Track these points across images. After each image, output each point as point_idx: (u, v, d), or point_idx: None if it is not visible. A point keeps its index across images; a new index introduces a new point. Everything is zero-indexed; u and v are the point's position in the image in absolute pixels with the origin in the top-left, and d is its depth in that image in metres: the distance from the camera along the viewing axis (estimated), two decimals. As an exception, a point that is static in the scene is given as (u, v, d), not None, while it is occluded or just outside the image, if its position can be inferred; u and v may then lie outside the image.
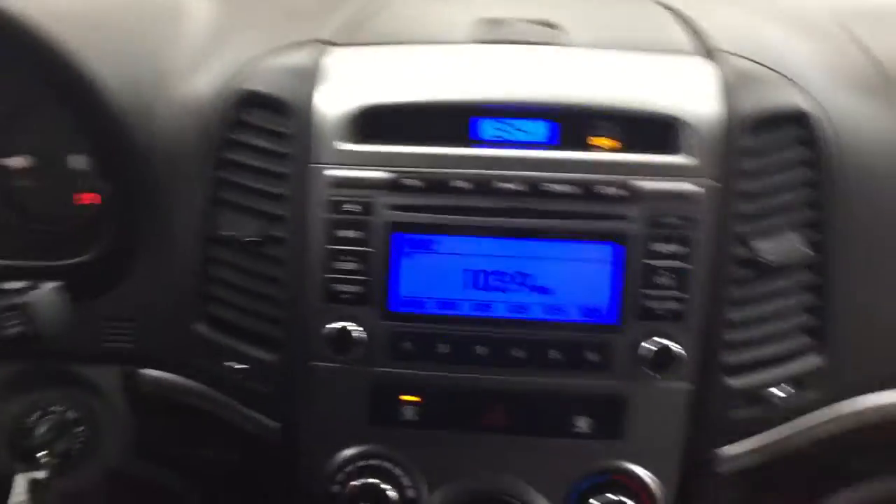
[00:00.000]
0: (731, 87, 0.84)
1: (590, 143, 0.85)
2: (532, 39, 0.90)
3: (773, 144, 0.85)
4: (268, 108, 0.87)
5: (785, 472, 0.93)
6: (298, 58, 0.88)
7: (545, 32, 0.92)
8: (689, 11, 1.00)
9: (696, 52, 0.89)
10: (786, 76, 0.88)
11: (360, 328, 0.85)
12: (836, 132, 0.86)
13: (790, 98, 0.87)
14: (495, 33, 0.91)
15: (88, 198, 0.96)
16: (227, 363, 0.90)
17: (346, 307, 0.85)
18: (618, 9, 1.06)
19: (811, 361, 0.88)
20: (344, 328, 0.85)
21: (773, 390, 0.88)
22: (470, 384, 0.87)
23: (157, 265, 0.91)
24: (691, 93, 0.84)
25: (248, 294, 0.89)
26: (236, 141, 0.88)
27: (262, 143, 0.87)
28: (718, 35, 0.92)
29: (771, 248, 0.85)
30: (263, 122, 0.87)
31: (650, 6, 1.06)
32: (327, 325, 0.85)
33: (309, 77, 0.85)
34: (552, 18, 0.95)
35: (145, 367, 0.95)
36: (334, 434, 0.90)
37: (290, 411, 0.90)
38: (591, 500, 0.88)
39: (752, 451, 0.90)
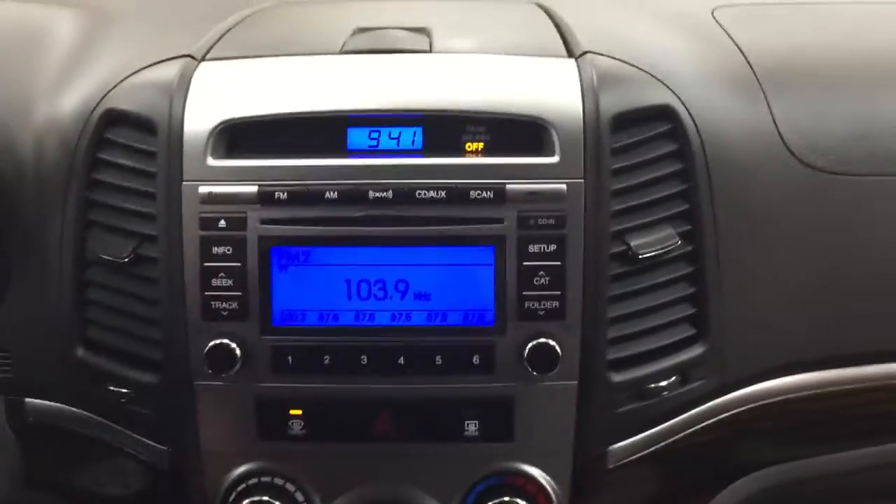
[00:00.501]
0: (596, 87, 0.85)
1: (461, 147, 0.86)
2: (403, 47, 0.90)
3: (641, 141, 0.87)
4: (133, 126, 0.86)
5: (678, 465, 0.94)
6: (164, 73, 0.87)
7: (418, 39, 0.93)
8: (564, 13, 1.01)
9: (564, 54, 0.91)
10: (651, 74, 0.90)
11: (241, 344, 0.84)
12: (701, 126, 0.88)
13: (656, 95, 0.88)
14: (367, 43, 0.91)
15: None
16: (109, 388, 0.88)
17: (226, 324, 0.84)
18: (494, 12, 1.07)
19: (694, 351, 0.89)
20: (224, 345, 0.84)
21: (660, 383, 0.89)
22: (356, 394, 0.86)
23: (30, 291, 0.89)
24: (555, 94, 0.85)
25: (125, 316, 0.87)
26: (103, 160, 0.87)
27: (129, 161, 0.85)
28: (589, 36, 0.93)
29: (646, 243, 0.86)
30: (129, 141, 0.86)
31: (527, 8, 1.07)
32: (207, 343, 0.84)
33: (176, 93, 0.85)
34: (427, 25, 0.96)
35: (28, 395, 0.93)
36: (223, 453, 0.89)
37: (177, 433, 0.89)
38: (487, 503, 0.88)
39: (644, 446, 0.92)
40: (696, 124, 0.88)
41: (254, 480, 0.88)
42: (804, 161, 0.92)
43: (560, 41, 0.94)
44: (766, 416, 0.94)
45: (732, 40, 1.01)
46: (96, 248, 0.87)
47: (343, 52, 0.91)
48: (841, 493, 1.05)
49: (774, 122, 0.93)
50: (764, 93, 0.94)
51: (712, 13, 1.09)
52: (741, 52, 0.99)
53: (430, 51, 0.91)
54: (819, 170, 0.92)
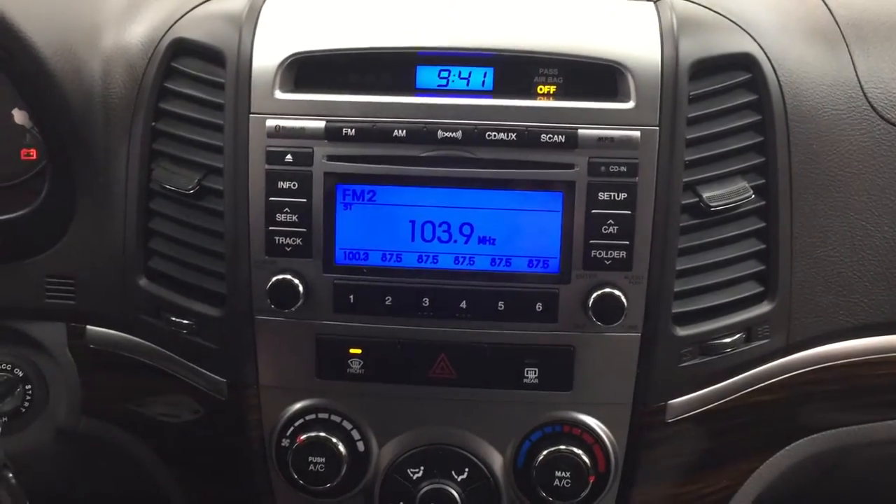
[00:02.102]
0: (675, 32, 0.82)
1: (532, 90, 0.84)
2: None
3: (719, 90, 0.84)
4: (201, 57, 0.85)
5: (736, 423, 0.92)
6: (233, 4, 0.86)
7: (490, -23, 0.90)
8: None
9: None
10: (732, 20, 0.87)
11: (303, 281, 0.84)
12: (782, 76, 0.85)
13: (736, 42, 0.85)
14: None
15: (34, 153, 0.94)
16: (171, 318, 0.89)
17: (289, 260, 0.84)
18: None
19: (760, 309, 0.87)
20: (287, 281, 0.83)
21: (724, 339, 0.87)
22: (416, 336, 0.86)
23: (95, 220, 0.90)
24: (632, 38, 0.83)
25: (189, 248, 0.87)
26: (170, 90, 0.87)
27: (196, 92, 0.85)
28: (666, -21, 0.90)
29: (719, 195, 0.84)
30: (197, 71, 0.85)
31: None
32: (270, 278, 0.84)
33: (245, 25, 0.83)
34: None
35: (90, 324, 0.94)
36: (282, 387, 0.90)
37: (237, 366, 0.89)
38: (542, 452, 0.88)
39: (703, 402, 0.90)
40: (776, 75, 0.85)
41: (311, 416, 0.89)
42: (886, 117, 0.89)
43: None
44: (829, 380, 0.92)
45: None
46: (162, 179, 0.87)
47: None
48: (897, 461, 1.03)
49: (857, 76, 0.89)
50: (847, 45, 0.91)
51: None
52: (823, 2, 0.95)
53: None
54: None
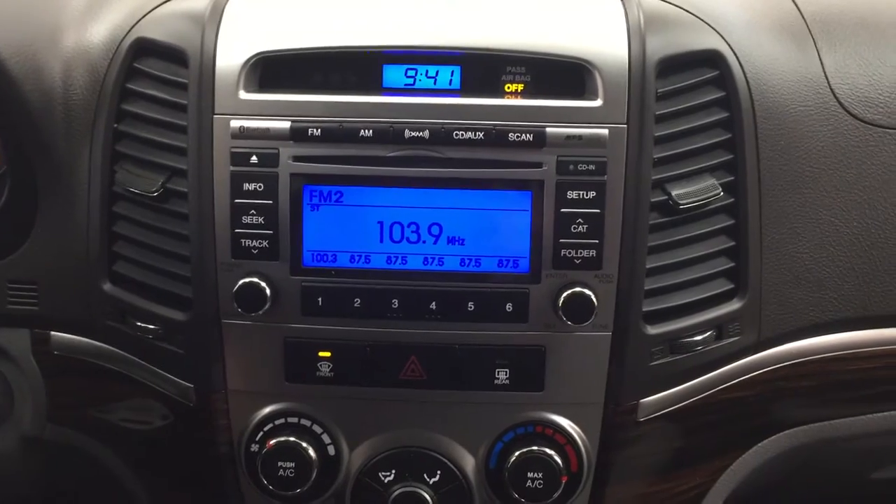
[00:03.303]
0: (643, 29, 0.82)
1: (500, 88, 0.83)
2: None
3: (687, 87, 0.84)
4: (164, 57, 0.84)
5: (709, 421, 0.92)
6: (196, 3, 0.84)
7: (455, -24, 0.89)
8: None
9: None
10: (700, 17, 0.87)
11: (270, 284, 0.83)
12: (750, 73, 0.85)
13: (704, 39, 0.85)
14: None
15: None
16: (136, 323, 0.88)
17: (255, 262, 0.83)
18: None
19: (731, 306, 0.87)
20: (253, 284, 0.82)
21: (695, 337, 0.87)
22: (385, 339, 0.85)
23: (57, 224, 0.88)
24: (599, 35, 0.82)
25: (154, 251, 0.86)
26: (132, 91, 0.85)
27: (158, 93, 0.84)
28: (634, -24, 0.90)
29: (688, 193, 0.84)
30: (159, 71, 0.84)
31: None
32: (236, 282, 0.83)
33: (208, 24, 0.82)
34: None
35: (54, 329, 0.93)
36: (249, 393, 0.88)
37: (204, 371, 0.88)
38: (514, 453, 0.87)
39: (675, 400, 0.90)
40: (744, 71, 0.85)
41: (280, 421, 0.88)
42: (853, 113, 0.89)
43: None
44: (801, 376, 0.92)
45: None
46: (125, 182, 0.85)
47: None
48: (871, 455, 1.04)
49: (824, 72, 0.89)
50: (814, 41, 0.91)
51: None
52: None
53: None
54: (868, 123, 0.89)
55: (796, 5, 0.94)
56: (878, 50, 0.91)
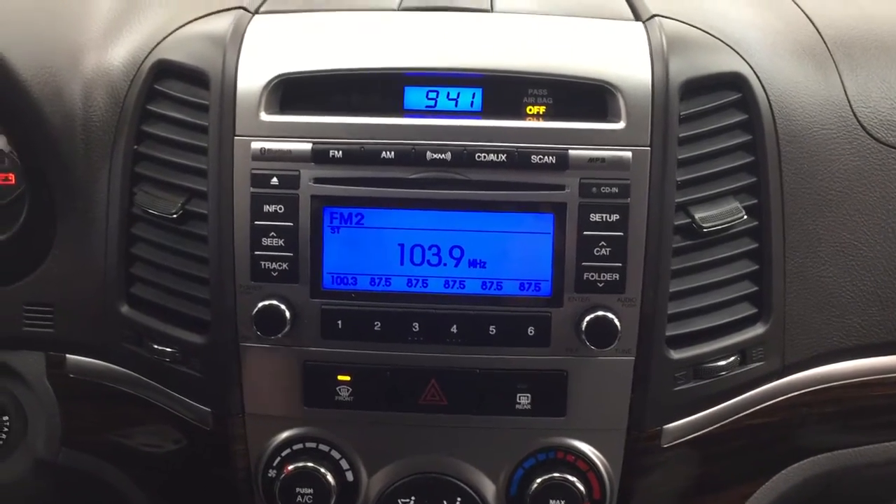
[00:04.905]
0: (665, 52, 0.82)
1: (521, 110, 0.83)
2: (462, 6, 0.87)
3: (710, 110, 0.83)
4: (184, 78, 0.84)
5: (733, 447, 0.91)
6: (217, 25, 0.84)
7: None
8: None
9: (630, 17, 0.87)
10: (722, 40, 0.86)
11: (290, 306, 0.82)
12: (772, 96, 0.85)
13: (726, 61, 0.85)
14: (424, 0, 0.88)
15: (12, 177, 0.92)
16: (153, 346, 0.87)
17: (275, 285, 0.82)
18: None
19: (754, 331, 0.86)
20: (273, 306, 0.81)
21: (719, 363, 0.86)
22: (406, 362, 0.84)
23: (75, 245, 0.87)
24: (622, 58, 0.82)
25: (172, 273, 0.85)
26: (153, 112, 0.85)
27: (179, 114, 0.83)
28: (654, 0, 0.90)
29: (711, 216, 0.83)
30: (180, 93, 0.84)
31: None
32: (255, 304, 0.82)
33: (229, 46, 0.82)
34: (487, -15, 0.92)
35: (70, 352, 0.92)
36: (268, 417, 0.87)
37: (221, 395, 0.87)
38: (536, 480, 0.86)
39: (699, 426, 0.89)
40: (766, 94, 0.85)
41: (298, 446, 0.87)
42: (876, 136, 0.89)
43: (625, 4, 0.90)
44: (825, 402, 0.91)
45: (801, 9, 0.97)
46: (144, 203, 0.85)
47: (401, 8, 0.88)
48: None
49: (846, 95, 0.89)
50: (835, 64, 0.90)
51: None
52: (811, 21, 0.95)
53: (492, 10, 0.88)
54: (891, 146, 0.89)
55: (816, 29, 0.93)
56: (900, 73, 0.91)
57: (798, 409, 0.91)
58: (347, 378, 0.84)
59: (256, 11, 0.86)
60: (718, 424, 0.89)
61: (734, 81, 0.84)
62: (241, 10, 0.86)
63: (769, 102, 0.85)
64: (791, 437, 0.93)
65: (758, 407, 0.90)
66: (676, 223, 0.82)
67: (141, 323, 0.87)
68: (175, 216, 0.83)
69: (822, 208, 0.87)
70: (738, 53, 0.86)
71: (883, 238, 0.88)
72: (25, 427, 0.95)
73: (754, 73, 0.85)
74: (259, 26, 0.84)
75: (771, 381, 0.90)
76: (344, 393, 0.85)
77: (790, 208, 0.86)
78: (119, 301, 0.87)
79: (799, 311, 0.87)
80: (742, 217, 0.83)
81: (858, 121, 0.88)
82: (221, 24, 0.84)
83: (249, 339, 0.84)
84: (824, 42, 0.92)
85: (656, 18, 0.85)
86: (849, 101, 0.89)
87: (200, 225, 0.83)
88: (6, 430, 0.94)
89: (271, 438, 0.87)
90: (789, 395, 0.90)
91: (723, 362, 0.86)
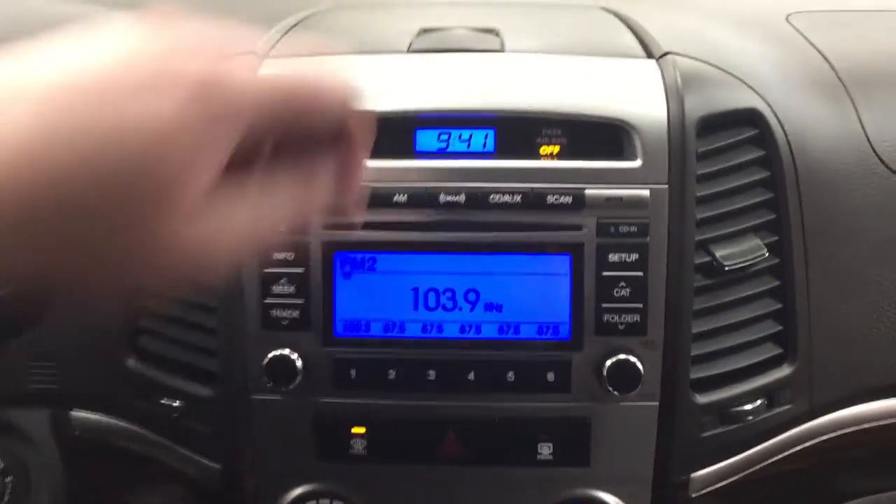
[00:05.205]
0: (680, 89, 0.81)
1: (535, 151, 0.81)
2: (474, 47, 0.86)
3: (727, 146, 0.82)
4: None
5: (764, 495, 0.87)
6: None
7: (487, 39, 0.88)
8: (635, 16, 0.97)
9: (642, 55, 0.86)
10: (736, 76, 0.85)
11: (302, 356, 0.79)
12: (789, 131, 0.83)
13: (741, 98, 0.83)
14: (435, 42, 0.87)
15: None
16: (160, 401, 0.84)
17: (286, 334, 0.79)
18: (561, 15, 1.03)
19: (781, 372, 0.83)
20: (284, 356, 0.79)
21: (745, 406, 0.83)
22: (422, 412, 0.81)
23: (79, 298, 0.85)
24: (637, 95, 0.81)
25: (179, 324, 0.83)
26: None
27: None
28: (666, 38, 0.89)
29: (732, 254, 0.81)
30: None
31: (595, 12, 1.03)
32: (266, 354, 0.79)
33: None
34: (494, 25, 0.92)
35: (75, 408, 0.89)
36: (280, 472, 0.84)
37: (231, 450, 0.84)
38: None
39: (728, 473, 0.85)
40: (784, 129, 0.83)
41: (311, 502, 0.83)
42: (895, 170, 0.87)
43: (636, 42, 0.90)
44: (860, 443, 0.88)
45: (812, 45, 0.96)
46: (151, 253, 0.83)
47: (411, 51, 0.87)
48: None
49: (863, 128, 0.87)
50: (850, 97, 0.89)
51: (787, 18, 1.04)
52: (822, 56, 0.94)
53: (503, 50, 0.87)
54: None
55: (830, 64, 0.92)
56: (916, 106, 0.90)
57: (829, 453, 0.87)
58: (362, 430, 0.81)
59: (266, 55, 0.85)
60: (749, 471, 0.85)
61: (750, 117, 0.83)
62: (251, 55, 0.85)
63: (786, 138, 0.83)
64: (823, 482, 0.90)
65: (789, 451, 0.86)
66: (697, 262, 0.80)
67: (147, 376, 0.84)
68: None
69: (845, 244, 0.85)
70: (752, 89, 0.84)
71: None
72: (29, 487, 0.92)
73: (770, 108, 0.83)
74: (269, 71, 0.83)
75: (800, 423, 0.86)
76: (358, 446, 0.82)
77: (812, 244, 0.83)
78: (125, 354, 0.85)
79: (825, 351, 0.85)
80: (764, 254, 0.81)
81: (878, 155, 0.87)
82: None
83: (259, 391, 0.81)
84: (838, 77, 0.91)
85: (669, 56, 0.84)
86: (867, 136, 0.87)
87: None
88: (10, 491, 0.91)
89: (284, 495, 0.84)
90: (821, 439, 0.87)
91: (749, 406, 0.83)
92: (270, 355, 0.79)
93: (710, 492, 0.85)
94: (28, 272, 0.40)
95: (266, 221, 0.45)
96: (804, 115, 0.86)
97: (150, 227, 0.40)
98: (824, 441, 0.87)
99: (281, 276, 0.79)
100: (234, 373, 0.81)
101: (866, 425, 0.88)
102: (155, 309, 0.84)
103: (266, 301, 0.79)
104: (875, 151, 0.87)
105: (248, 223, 0.44)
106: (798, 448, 0.86)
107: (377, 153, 0.80)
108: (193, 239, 0.41)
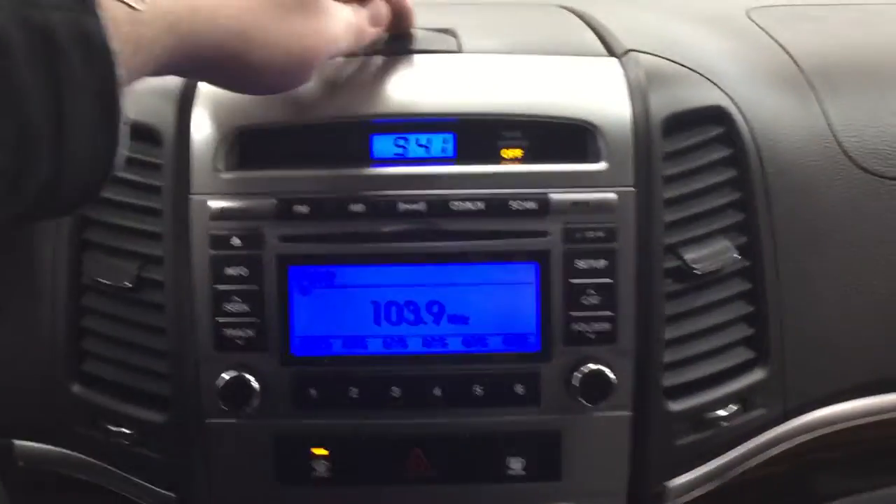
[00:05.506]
0: (644, 87, 0.78)
1: (497, 154, 0.78)
2: (429, 48, 0.83)
3: (693, 146, 0.80)
4: (135, 137, 0.77)
5: (744, 499, 0.85)
6: (169, 79, 0.79)
7: (445, 40, 0.85)
8: (595, 14, 0.94)
9: (604, 53, 0.83)
10: (700, 73, 0.83)
11: (258, 377, 0.75)
12: (756, 129, 0.81)
13: (707, 95, 0.81)
14: (390, 43, 0.84)
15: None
16: (109, 428, 0.79)
17: (241, 354, 0.75)
18: (521, 14, 1.00)
19: (754, 376, 0.81)
20: (240, 378, 0.75)
21: (719, 412, 0.81)
22: (387, 431, 0.78)
23: (18, 321, 0.80)
24: (600, 95, 0.78)
25: (127, 347, 0.78)
26: None
27: (130, 175, 0.77)
28: (627, 36, 0.86)
29: (702, 257, 0.78)
30: (131, 153, 0.77)
31: (554, 10, 1.00)
32: (220, 376, 0.75)
33: (181, 99, 0.77)
34: (451, 25, 0.88)
35: (17, 437, 0.84)
36: (239, 499, 0.80)
37: (186, 478, 0.79)
38: None
39: (704, 481, 0.83)
40: (750, 127, 0.81)
41: None
42: (863, 166, 0.85)
43: (597, 41, 0.87)
44: (835, 444, 0.86)
45: (774, 39, 0.94)
46: (94, 272, 0.78)
47: (363, 53, 0.83)
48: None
49: (829, 124, 0.86)
50: (816, 93, 0.88)
51: (748, 14, 1.03)
52: (785, 50, 0.92)
53: (460, 51, 0.84)
54: (880, 176, 0.85)
55: (793, 59, 0.91)
56: (883, 100, 0.88)
57: (805, 455, 0.86)
58: (324, 452, 0.78)
59: None
60: (725, 479, 0.83)
61: (717, 115, 0.81)
62: None
63: (753, 135, 0.81)
64: (800, 486, 0.88)
65: (763, 456, 0.84)
66: (666, 266, 0.78)
67: (94, 402, 0.79)
68: (128, 285, 0.76)
69: (816, 244, 0.83)
70: (717, 86, 0.82)
71: (882, 272, 0.84)
72: (-29, 524, 0.87)
73: (735, 105, 0.81)
74: None
75: (774, 427, 0.84)
76: (321, 468, 0.78)
77: (782, 246, 0.82)
78: (70, 379, 0.80)
79: (799, 353, 0.83)
80: (734, 257, 0.79)
81: (845, 151, 0.85)
82: (173, 78, 0.79)
83: (214, 415, 0.77)
84: (803, 72, 0.89)
85: (632, 53, 0.82)
86: (833, 133, 0.86)
87: (156, 293, 0.76)
88: (-51, 529, 0.86)
89: None
90: (794, 442, 0.85)
91: (723, 412, 0.80)
92: (225, 377, 0.75)
93: (686, 501, 0.82)
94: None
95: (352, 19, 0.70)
96: (770, 112, 0.84)
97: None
98: (800, 444, 0.85)
99: (233, 293, 0.75)
100: (186, 397, 0.76)
101: (841, 425, 0.86)
102: (101, 331, 0.79)
103: (218, 320, 0.75)
104: (842, 147, 0.85)
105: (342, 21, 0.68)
106: (774, 452, 0.84)
107: (331, 161, 0.78)
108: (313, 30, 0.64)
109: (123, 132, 0.49)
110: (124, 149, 0.50)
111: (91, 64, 0.45)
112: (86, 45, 0.45)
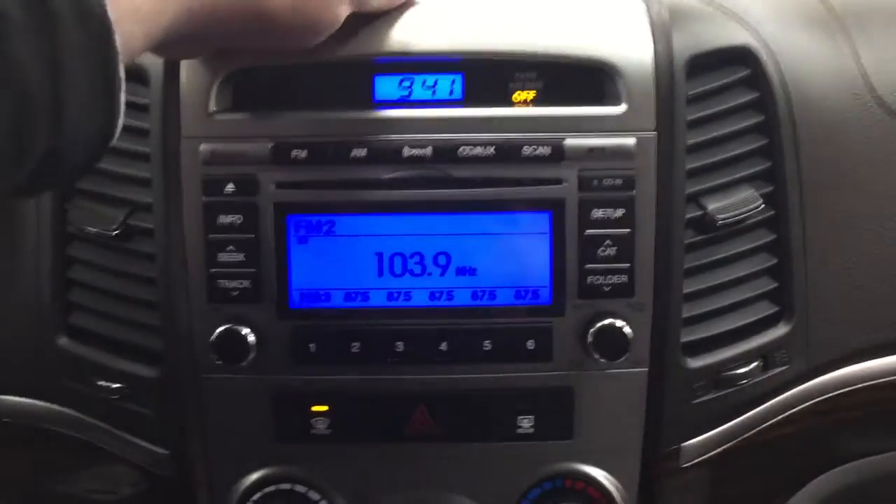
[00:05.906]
0: (667, 26, 0.73)
1: (508, 97, 0.73)
2: None
3: (718, 88, 0.75)
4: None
5: (757, 463, 0.82)
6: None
7: (453, -26, 0.80)
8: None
9: None
10: (726, 11, 0.78)
11: (255, 330, 0.72)
12: (784, 70, 0.76)
13: (733, 34, 0.76)
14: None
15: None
16: (97, 382, 0.76)
17: (236, 306, 0.72)
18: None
19: (777, 332, 0.78)
20: (235, 331, 0.71)
21: (740, 369, 0.77)
22: (390, 387, 0.74)
23: (2, 273, 0.76)
24: (620, 34, 0.73)
25: (116, 299, 0.75)
26: None
27: None
28: (650, -30, 0.81)
29: (725, 206, 0.74)
30: None
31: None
32: (215, 330, 0.71)
33: None
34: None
35: (4, 393, 0.80)
36: (235, 457, 0.77)
37: (180, 435, 0.76)
38: None
39: (721, 441, 0.80)
40: (778, 68, 0.76)
41: (271, 488, 0.76)
42: (895, 111, 0.81)
43: None
44: (857, 404, 0.82)
45: None
46: (80, 220, 0.74)
47: None
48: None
49: (862, 69, 0.81)
50: (847, 34, 0.82)
51: None
52: None
53: None
54: None
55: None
56: (917, 40, 0.83)
57: (824, 415, 0.82)
58: (324, 408, 0.74)
59: None
60: (741, 438, 0.80)
61: (743, 56, 0.76)
62: None
63: (781, 78, 0.76)
64: (821, 445, 0.85)
65: (783, 415, 0.81)
66: (688, 216, 0.74)
67: (82, 356, 0.76)
68: (116, 233, 0.72)
69: (844, 193, 0.79)
70: (744, 25, 0.77)
71: None
72: (-43, 481, 0.84)
73: (764, 45, 0.76)
74: None
75: (796, 385, 0.81)
76: (321, 425, 0.75)
77: (809, 195, 0.77)
78: (56, 332, 0.76)
79: (824, 308, 0.79)
80: (759, 206, 0.75)
81: (877, 94, 0.80)
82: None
83: (209, 370, 0.73)
84: (834, 13, 0.84)
85: None
86: (865, 76, 0.81)
87: (146, 242, 0.73)
88: (-65, 485, 0.83)
89: (239, 481, 0.77)
90: (817, 400, 0.81)
91: (744, 369, 0.77)
92: (219, 330, 0.71)
93: (701, 461, 0.79)
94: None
95: None
96: (799, 54, 0.79)
97: None
98: (822, 402, 0.82)
99: (228, 241, 0.71)
100: (179, 351, 0.73)
101: (867, 384, 0.82)
102: (88, 282, 0.75)
103: (212, 271, 0.71)
104: (875, 90, 0.80)
105: None
106: (794, 410, 0.81)
107: (331, 104, 0.73)
108: None
109: (122, 100, 0.49)
110: (123, 116, 0.50)
111: (88, 33, 0.46)
112: (83, 15, 0.45)
